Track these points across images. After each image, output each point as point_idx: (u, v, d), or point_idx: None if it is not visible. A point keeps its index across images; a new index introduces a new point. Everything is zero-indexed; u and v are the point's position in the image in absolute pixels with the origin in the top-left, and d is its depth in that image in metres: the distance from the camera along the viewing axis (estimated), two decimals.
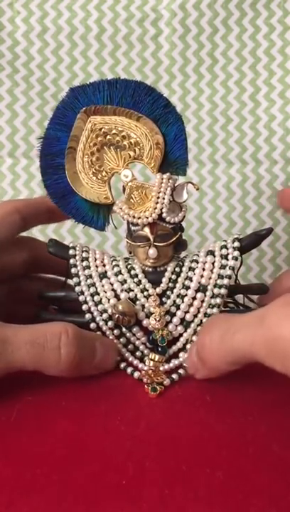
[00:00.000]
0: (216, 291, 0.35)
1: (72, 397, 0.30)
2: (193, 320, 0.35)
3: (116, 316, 0.33)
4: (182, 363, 0.34)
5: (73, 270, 0.36)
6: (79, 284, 0.36)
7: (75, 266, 0.36)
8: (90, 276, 0.36)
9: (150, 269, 0.36)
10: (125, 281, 0.35)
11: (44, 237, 0.62)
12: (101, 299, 0.35)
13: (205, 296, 0.35)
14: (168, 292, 0.35)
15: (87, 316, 0.35)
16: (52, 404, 0.29)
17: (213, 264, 0.35)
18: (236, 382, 0.32)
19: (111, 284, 0.35)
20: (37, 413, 0.29)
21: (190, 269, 0.35)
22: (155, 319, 0.34)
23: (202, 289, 0.35)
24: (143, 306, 0.35)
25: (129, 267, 0.36)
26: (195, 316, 0.35)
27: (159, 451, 0.25)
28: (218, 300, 0.35)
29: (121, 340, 0.35)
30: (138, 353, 0.35)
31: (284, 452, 0.22)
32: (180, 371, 0.34)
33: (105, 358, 0.33)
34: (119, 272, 0.36)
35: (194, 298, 0.35)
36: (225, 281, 0.35)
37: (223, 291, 0.35)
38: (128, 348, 0.35)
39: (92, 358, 0.32)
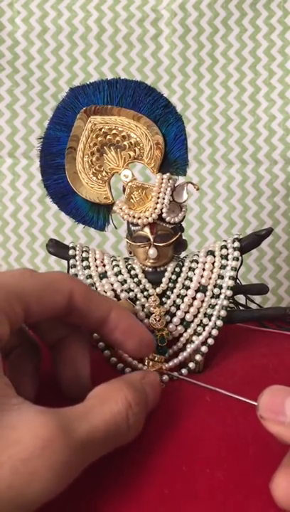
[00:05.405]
0: (216, 291, 0.35)
1: (71, 399, 0.30)
2: (193, 320, 0.35)
3: None
4: (181, 361, 0.34)
5: (73, 270, 0.36)
6: None
7: (75, 266, 0.36)
8: (90, 277, 0.36)
9: (150, 269, 0.36)
10: (125, 281, 0.35)
11: (44, 237, 0.62)
12: None
13: (205, 296, 0.35)
14: (168, 292, 0.35)
15: None
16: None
17: (213, 264, 0.35)
18: (236, 383, 0.32)
19: (111, 284, 0.35)
20: None
21: (190, 269, 0.35)
22: (155, 319, 0.34)
23: (202, 289, 0.35)
24: (143, 306, 0.35)
25: (129, 267, 0.36)
26: (195, 316, 0.35)
27: (159, 451, 0.25)
28: (225, 302, 0.35)
29: None
30: None
31: (284, 452, 0.22)
32: (182, 370, 0.34)
33: (154, 399, 0.27)
34: (119, 272, 0.36)
35: (194, 298, 0.35)
36: (230, 282, 0.35)
37: (229, 292, 0.35)
38: None
39: (147, 407, 0.26)
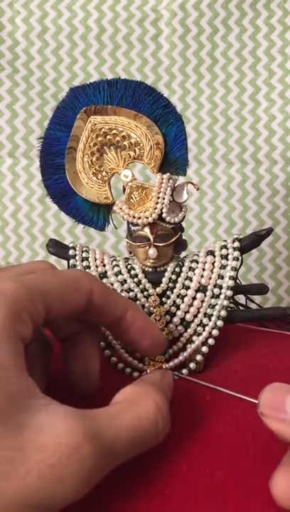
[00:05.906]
0: (216, 291, 0.35)
1: (72, 400, 0.30)
2: (193, 320, 0.35)
3: None
4: (182, 362, 0.34)
5: None
6: None
7: (75, 266, 0.36)
8: None
9: (150, 269, 0.36)
10: (125, 281, 0.35)
11: (44, 237, 0.62)
12: None
13: (205, 296, 0.35)
14: (168, 292, 0.35)
15: None
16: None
17: (213, 264, 0.35)
18: (236, 383, 0.32)
19: (111, 284, 0.35)
20: None
21: (190, 269, 0.35)
22: (155, 319, 0.34)
23: (202, 289, 0.35)
24: (143, 306, 0.35)
25: (129, 267, 0.36)
26: (195, 316, 0.35)
27: (159, 451, 0.25)
28: (225, 302, 0.35)
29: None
30: (137, 354, 0.35)
31: (284, 452, 0.22)
32: (183, 371, 0.34)
33: (170, 391, 0.28)
34: (119, 272, 0.36)
35: (194, 298, 0.35)
36: (230, 282, 0.35)
37: (229, 292, 0.35)
38: (127, 349, 0.35)
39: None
